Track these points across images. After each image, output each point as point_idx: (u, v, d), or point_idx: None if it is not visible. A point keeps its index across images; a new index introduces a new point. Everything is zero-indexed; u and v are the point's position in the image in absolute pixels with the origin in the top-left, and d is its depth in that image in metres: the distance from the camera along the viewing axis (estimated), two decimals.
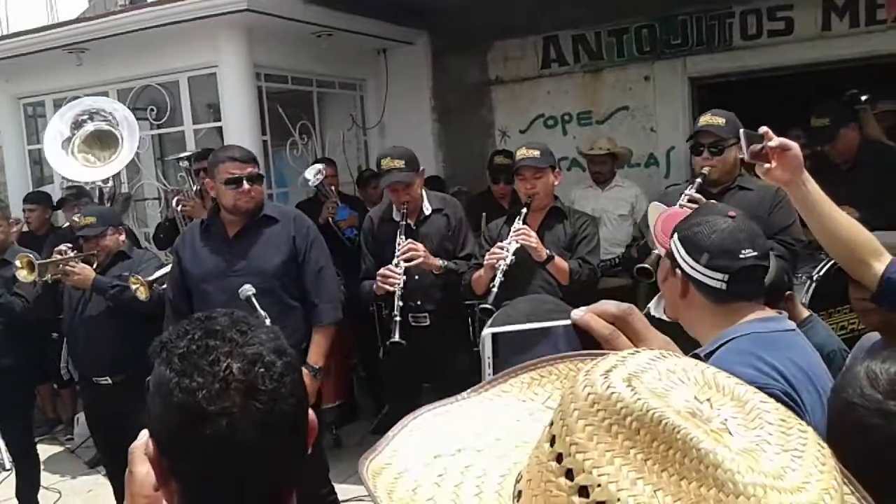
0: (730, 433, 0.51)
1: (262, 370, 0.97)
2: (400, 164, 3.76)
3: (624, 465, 0.52)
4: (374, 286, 3.76)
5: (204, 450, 0.94)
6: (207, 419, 0.93)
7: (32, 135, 6.73)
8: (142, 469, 1.06)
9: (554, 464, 0.55)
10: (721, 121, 3.26)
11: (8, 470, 5.47)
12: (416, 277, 3.77)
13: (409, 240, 3.71)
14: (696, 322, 1.81)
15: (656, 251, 3.18)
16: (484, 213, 4.90)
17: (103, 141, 5.36)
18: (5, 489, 5.14)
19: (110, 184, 5.49)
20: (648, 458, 0.51)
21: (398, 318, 3.66)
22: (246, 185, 3.38)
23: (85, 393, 4.40)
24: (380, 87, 7.00)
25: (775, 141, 1.96)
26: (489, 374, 0.82)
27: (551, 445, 0.55)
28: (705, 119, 3.33)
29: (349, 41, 6.30)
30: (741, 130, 2.06)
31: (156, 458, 1.00)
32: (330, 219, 5.41)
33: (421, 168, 3.93)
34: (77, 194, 5.44)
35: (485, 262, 3.56)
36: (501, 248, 3.51)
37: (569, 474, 0.53)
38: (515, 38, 6.59)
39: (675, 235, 1.80)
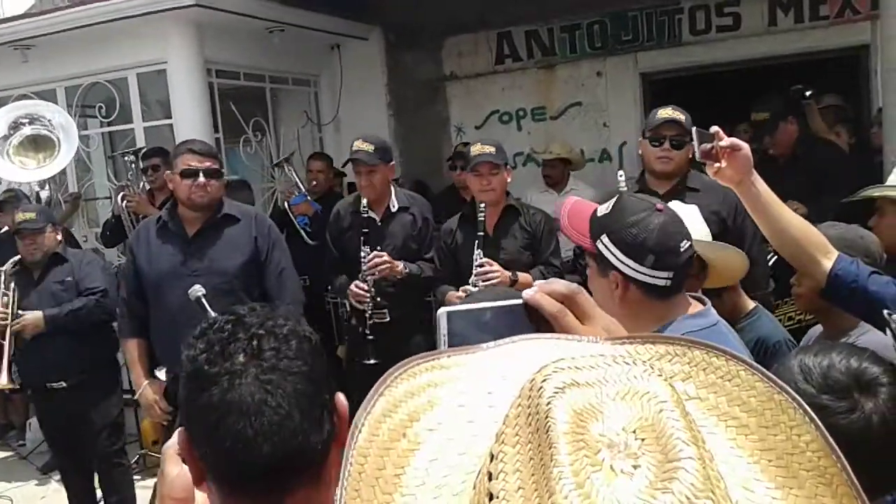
0: (630, 479, 0.49)
1: (265, 332, 1.00)
2: (369, 147, 3.75)
3: (519, 454, 0.52)
4: (348, 291, 3.75)
5: (209, 415, 0.96)
6: (209, 380, 0.97)
7: None
8: (172, 470, 1.06)
9: (487, 461, 0.55)
10: (682, 116, 3.20)
11: None
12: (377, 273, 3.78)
13: (375, 252, 3.70)
14: (631, 318, 1.72)
15: None
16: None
17: (39, 144, 5.29)
18: None
19: (47, 188, 5.40)
20: (532, 458, 0.51)
21: (371, 338, 3.67)
22: (202, 179, 3.31)
23: (38, 398, 4.32)
24: (334, 83, 6.95)
25: (726, 141, 1.97)
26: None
27: (495, 442, 0.55)
28: (668, 112, 3.24)
29: (302, 36, 6.25)
30: (694, 129, 2.07)
31: (187, 450, 1.00)
32: (286, 202, 5.39)
33: (391, 162, 3.92)
34: (16, 197, 5.32)
35: (457, 296, 3.51)
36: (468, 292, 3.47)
37: (491, 459, 0.54)
38: (469, 33, 6.61)
39: (606, 237, 1.72)
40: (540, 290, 0.79)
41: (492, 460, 0.54)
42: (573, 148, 5.74)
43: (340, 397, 1.07)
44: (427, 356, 0.68)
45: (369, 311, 3.71)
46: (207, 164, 3.35)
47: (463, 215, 3.83)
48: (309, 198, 5.49)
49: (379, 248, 3.75)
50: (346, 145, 5.48)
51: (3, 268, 4.18)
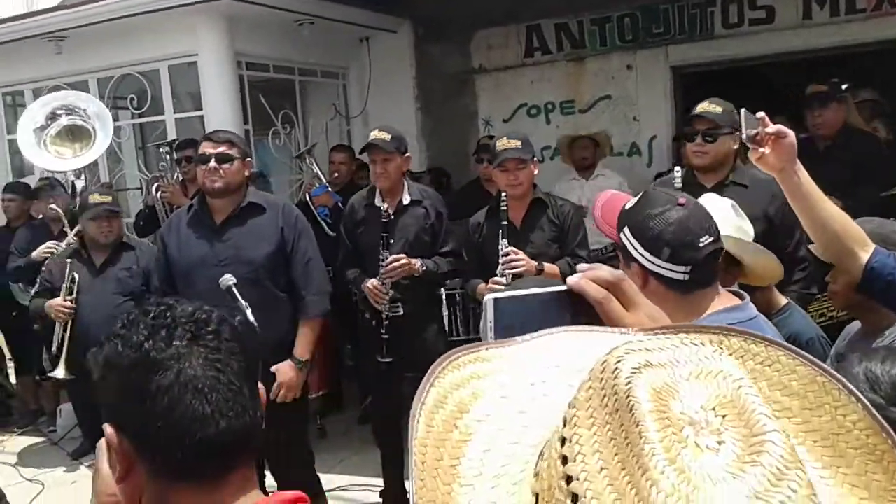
0: (716, 454, 0.50)
1: (199, 319, 1.03)
2: (385, 136, 3.77)
3: (596, 435, 0.53)
4: (362, 285, 3.77)
5: (160, 398, 0.97)
6: (159, 364, 0.98)
7: (12, 125, 6.64)
8: (106, 466, 1.08)
9: (557, 445, 0.55)
10: (718, 109, 3.21)
11: None
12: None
13: (394, 256, 3.70)
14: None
15: None
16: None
17: (75, 135, 5.37)
18: None
19: (82, 178, 5.47)
20: (613, 438, 0.53)
21: (386, 337, 3.68)
22: (213, 164, 3.32)
23: (76, 384, 4.39)
24: (362, 75, 6.96)
25: (772, 127, 1.95)
26: (490, 339, 0.84)
27: (563, 426, 0.56)
28: (703, 106, 3.27)
29: (331, 29, 6.26)
30: (742, 110, 2.05)
31: (117, 443, 1.00)
32: (307, 194, 5.41)
33: (406, 154, 3.92)
34: (50, 185, 5.40)
35: (487, 288, 3.51)
36: (499, 284, 3.46)
37: (562, 441, 0.55)
38: (498, 26, 6.58)
39: (627, 230, 1.74)
40: (584, 277, 0.80)
41: (563, 444, 0.55)
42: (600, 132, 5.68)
43: (259, 384, 1.10)
44: (468, 348, 0.69)
45: (385, 312, 3.72)
46: (221, 149, 3.37)
47: (490, 209, 3.82)
48: (330, 189, 5.51)
49: (392, 240, 3.76)
50: None
51: (59, 250, 4.22)
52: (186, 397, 0.97)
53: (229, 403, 0.99)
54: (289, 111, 6.46)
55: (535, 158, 3.79)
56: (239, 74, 5.78)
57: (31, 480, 4.96)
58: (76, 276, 4.10)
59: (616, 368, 0.55)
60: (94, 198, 4.22)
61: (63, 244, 4.83)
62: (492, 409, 0.64)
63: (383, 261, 3.70)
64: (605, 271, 0.80)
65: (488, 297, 0.86)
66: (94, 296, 4.07)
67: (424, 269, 3.76)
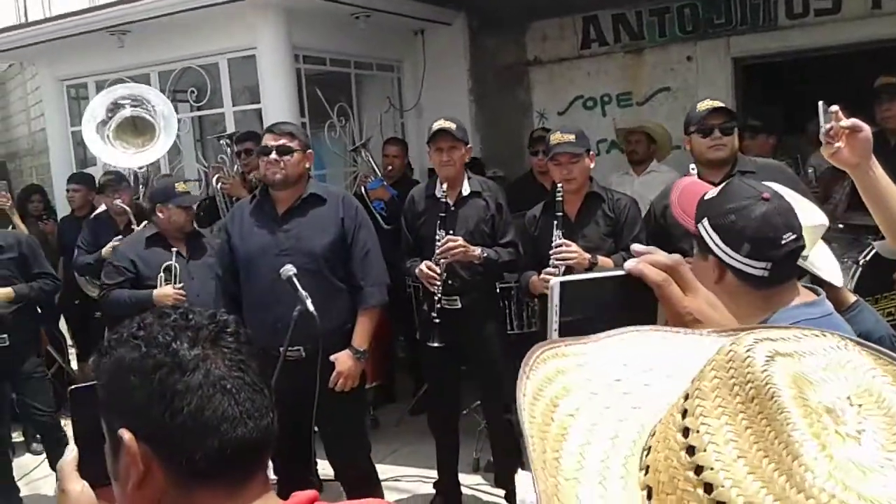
0: (859, 443, 0.50)
1: (218, 323, 1.03)
2: (451, 126, 3.79)
3: (728, 424, 0.54)
4: (416, 270, 3.78)
5: (188, 399, 0.96)
6: (188, 366, 0.97)
7: (76, 117, 6.82)
8: (75, 487, 1.09)
9: (679, 437, 0.55)
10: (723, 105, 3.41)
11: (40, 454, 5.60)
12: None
13: (449, 235, 3.70)
14: (731, 306, 1.75)
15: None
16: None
17: (138, 127, 5.43)
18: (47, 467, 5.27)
19: (144, 169, 5.59)
20: (749, 427, 0.53)
21: (437, 321, 3.68)
22: (273, 156, 3.37)
23: None
24: (417, 68, 6.97)
25: (847, 121, 1.90)
26: (556, 322, 0.87)
27: (682, 417, 0.57)
28: (707, 104, 3.43)
29: (387, 22, 6.28)
30: (820, 102, 2.00)
31: (135, 451, 0.97)
32: (363, 187, 5.44)
33: (468, 145, 3.93)
34: (116, 179, 5.51)
35: (540, 281, 3.52)
36: (550, 275, 3.45)
37: (685, 432, 0.56)
38: (554, 17, 6.52)
39: (706, 222, 1.71)
40: (643, 261, 0.82)
41: (686, 435, 0.55)
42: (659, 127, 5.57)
43: None
44: (548, 345, 0.71)
45: (438, 294, 3.70)
46: (282, 141, 3.41)
47: (546, 203, 3.80)
48: (385, 183, 5.54)
49: (452, 232, 3.75)
50: (427, 130, 5.52)
51: (133, 235, 4.28)
52: (216, 397, 0.97)
53: (255, 404, 1.00)
54: (344, 104, 6.51)
55: (591, 152, 3.76)
56: (296, 68, 5.84)
57: None
58: (177, 265, 4.06)
59: (748, 357, 0.55)
60: (181, 187, 4.26)
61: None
62: (581, 404, 0.65)
63: (439, 240, 3.70)
64: (662, 255, 0.82)
65: (554, 281, 0.88)
66: (199, 281, 4.03)
67: (485, 255, 3.75)
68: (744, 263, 1.66)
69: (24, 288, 4.52)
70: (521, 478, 2.26)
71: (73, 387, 1.16)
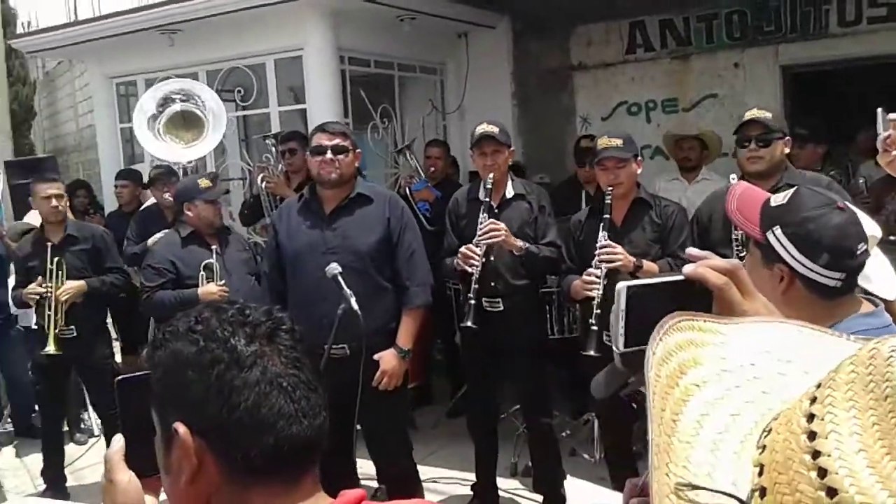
0: None
1: (275, 320, 1.03)
2: (494, 130, 3.80)
3: (855, 417, 0.55)
4: (455, 262, 3.77)
5: (246, 395, 0.96)
6: (246, 362, 0.97)
7: (124, 114, 6.96)
8: (123, 477, 1.08)
9: (803, 422, 0.56)
10: (769, 114, 3.36)
11: (97, 436, 5.72)
12: (493, 259, 3.77)
13: (491, 219, 3.71)
14: (791, 314, 1.72)
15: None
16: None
17: (188, 122, 5.51)
18: (92, 455, 5.38)
19: (193, 163, 5.67)
20: (877, 423, 0.54)
21: (473, 302, 3.65)
22: (329, 155, 3.41)
23: None
24: (460, 71, 6.99)
25: None
26: (621, 326, 0.89)
27: (810, 404, 0.58)
28: (751, 113, 3.39)
29: (431, 25, 6.31)
30: (879, 110, 1.97)
31: (189, 445, 0.97)
32: (407, 188, 5.46)
33: (511, 148, 3.94)
34: (167, 173, 5.61)
35: (582, 290, 3.49)
36: (593, 278, 3.41)
37: (810, 418, 0.56)
38: (599, 22, 6.49)
39: (779, 230, 1.65)
40: (702, 265, 0.83)
41: (810, 420, 0.56)
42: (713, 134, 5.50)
43: None
44: (686, 315, 0.73)
45: (476, 275, 3.66)
46: (336, 141, 3.45)
47: (592, 208, 3.78)
48: (430, 184, 5.55)
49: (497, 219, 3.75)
50: (470, 134, 5.53)
51: (166, 236, 4.36)
52: (273, 395, 0.96)
53: (310, 402, 0.99)
54: (387, 106, 6.54)
55: (639, 158, 3.73)
56: (341, 69, 5.90)
57: None
58: (216, 263, 4.09)
59: (890, 357, 0.55)
60: (204, 182, 4.28)
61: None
62: (710, 378, 0.68)
63: (482, 223, 3.69)
64: (720, 260, 0.84)
65: (621, 285, 0.90)
66: (237, 276, 4.10)
67: (526, 247, 3.75)
68: (819, 273, 1.62)
69: (96, 282, 4.62)
70: (571, 485, 2.24)
71: (119, 377, 1.15)
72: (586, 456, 4.66)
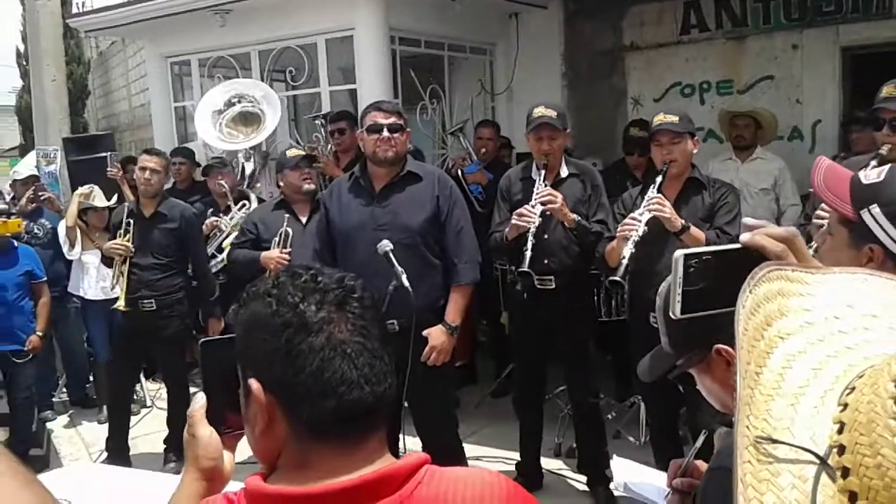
0: None
1: (346, 287, 1.06)
2: (552, 114, 3.79)
3: None
4: (506, 230, 3.75)
5: (311, 359, 1.00)
6: (313, 328, 1.01)
7: (178, 92, 7.07)
8: (205, 432, 1.15)
9: (891, 386, 0.55)
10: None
11: (149, 407, 5.86)
12: (546, 237, 3.75)
13: (549, 187, 3.69)
14: None
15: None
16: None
17: (248, 119, 5.74)
18: (145, 425, 5.52)
19: (252, 161, 5.84)
20: None
21: (529, 252, 3.58)
22: (385, 133, 3.45)
23: None
24: (510, 51, 6.94)
25: None
26: (679, 293, 0.89)
27: None
28: (889, 90, 3.10)
29: (482, 5, 6.27)
30: None
31: (261, 401, 1.03)
32: (459, 171, 5.45)
33: (567, 130, 3.92)
34: (221, 163, 5.73)
35: (617, 234, 3.47)
36: (634, 220, 3.40)
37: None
38: (653, 2, 6.38)
39: (877, 209, 1.53)
40: (759, 233, 0.84)
41: None
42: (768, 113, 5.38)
43: None
44: (775, 265, 0.74)
45: (533, 229, 3.61)
46: (392, 119, 3.49)
47: (644, 185, 3.74)
48: (482, 167, 5.54)
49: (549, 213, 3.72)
50: (518, 115, 5.50)
51: (226, 222, 4.52)
52: (336, 360, 1.00)
53: (374, 369, 1.03)
54: (436, 86, 6.53)
55: (696, 137, 3.67)
56: (391, 49, 5.89)
57: None
58: (290, 230, 4.29)
59: None
60: (292, 152, 4.54)
61: (228, 218, 5.15)
62: (794, 330, 0.68)
63: (537, 190, 3.68)
64: (777, 227, 0.84)
65: (678, 253, 0.90)
66: (303, 248, 4.18)
67: (577, 219, 3.74)
68: None
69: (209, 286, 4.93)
70: (617, 463, 2.23)
71: (203, 339, 1.22)
72: (631, 438, 4.64)
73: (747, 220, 0.91)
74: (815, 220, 2.63)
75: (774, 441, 0.60)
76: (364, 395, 1.01)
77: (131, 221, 4.68)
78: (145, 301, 4.65)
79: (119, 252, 4.66)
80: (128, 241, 4.66)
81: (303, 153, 4.52)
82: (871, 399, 0.57)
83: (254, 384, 1.03)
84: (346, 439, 1.02)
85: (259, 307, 1.05)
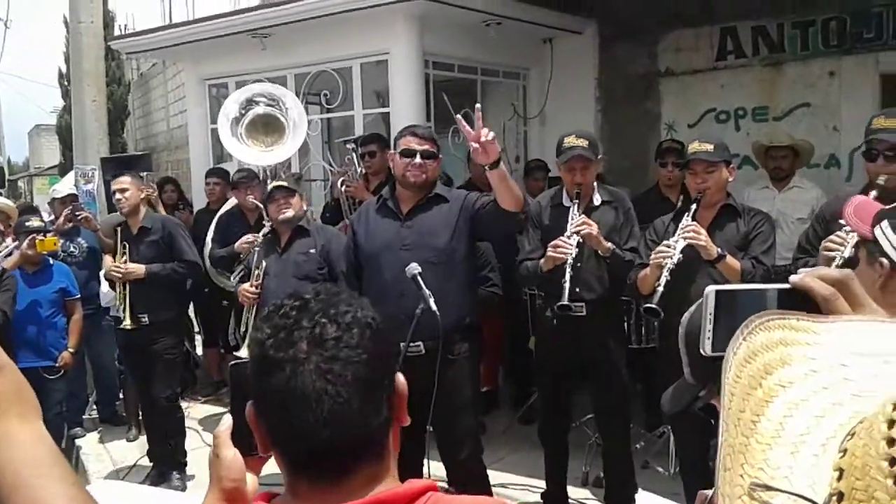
0: None
1: (327, 320, 1.00)
2: (583, 143, 3.75)
3: None
4: (541, 262, 3.72)
5: (273, 398, 0.99)
6: (274, 366, 0.98)
7: (215, 114, 7.16)
8: (228, 453, 1.14)
9: (883, 427, 0.54)
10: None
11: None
12: (578, 265, 3.71)
13: (584, 215, 3.66)
14: (889, 309, 1.69)
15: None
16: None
17: (269, 125, 5.59)
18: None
19: (272, 167, 5.79)
20: None
21: (568, 285, 3.54)
22: (418, 160, 3.48)
23: None
24: (543, 76, 6.95)
25: None
26: (709, 330, 0.88)
27: (893, 409, 0.55)
28: (879, 122, 3.12)
29: (516, 30, 6.29)
30: None
31: (254, 423, 1.05)
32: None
33: (600, 157, 3.88)
34: (249, 176, 5.74)
35: (651, 261, 3.43)
36: (669, 247, 3.36)
37: (890, 423, 0.54)
38: (689, 28, 6.35)
39: (886, 222, 1.66)
40: (811, 274, 0.80)
41: (891, 427, 0.54)
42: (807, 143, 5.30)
43: (399, 377, 1.07)
44: (779, 313, 0.71)
45: (571, 260, 3.57)
46: (426, 146, 3.52)
47: (679, 211, 3.70)
48: None
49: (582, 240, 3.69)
50: (550, 140, 5.49)
51: (258, 241, 4.55)
52: (293, 405, 0.98)
53: (335, 415, 0.97)
54: (469, 110, 6.52)
55: (731, 165, 3.63)
56: (425, 73, 5.93)
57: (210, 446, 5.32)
58: (264, 262, 4.35)
59: None
60: (272, 184, 4.56)
61: (260, 235, 5.18)
62: (797, 379, 0.65)
63: (572, 219, 3.66)
64: (831, 270, 0.81)
65: (709, 289, 0.87)
66: (277, 279, 4.27)
67: (612, 248, 3.70)
68: None
69: (156, 267, 4.83)
70: (643, 498, 2.19)
71: (232, 363, 1.24)
72: (660, 469, 4.55)
73: (802, 270, 0.90)
74: (822, 252, 2.67)
75: (770, 488, 0.58)
76: (324, 440, 0.97)
77: (126, 244, 4.84)
78: (140, 315, 4.80)
79: (116, 276, 4.83)
80: (124, 261, 4.81)
81: (280, 183, 4.44)
82: (866, 442, 0.55)
83: (249, 409, 1.06)
84: (326, 474, 1.01)
85: (255, 336, 1.06)
